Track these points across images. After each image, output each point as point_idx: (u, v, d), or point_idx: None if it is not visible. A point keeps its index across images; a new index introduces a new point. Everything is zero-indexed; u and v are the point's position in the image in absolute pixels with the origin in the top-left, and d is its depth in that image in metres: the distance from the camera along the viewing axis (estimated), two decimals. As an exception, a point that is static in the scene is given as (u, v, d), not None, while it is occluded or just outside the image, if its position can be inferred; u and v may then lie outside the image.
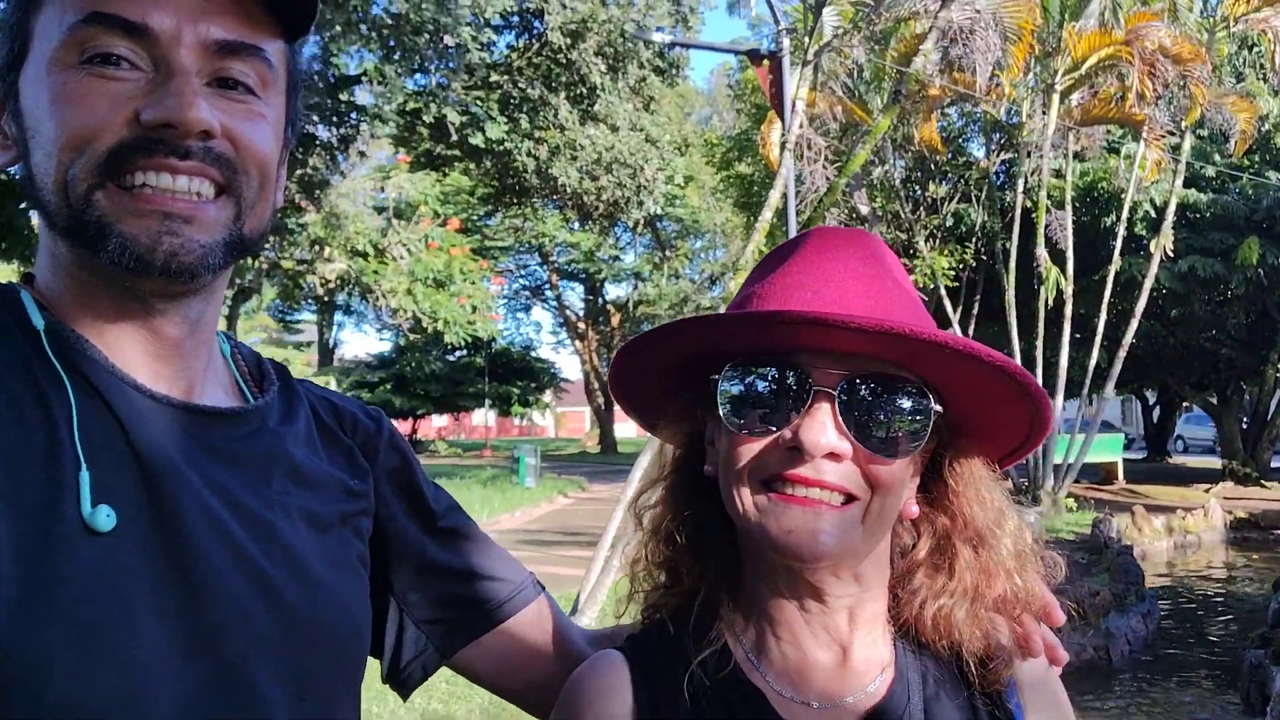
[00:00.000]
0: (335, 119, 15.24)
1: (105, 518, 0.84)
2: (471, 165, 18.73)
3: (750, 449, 1.00)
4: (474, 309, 23.80)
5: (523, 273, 46.70)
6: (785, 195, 10.64)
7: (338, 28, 11.30)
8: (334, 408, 1.19)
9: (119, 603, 0.84)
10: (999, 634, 1.05)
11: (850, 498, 0.98)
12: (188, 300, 0.98)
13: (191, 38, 0.92)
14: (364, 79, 13.56)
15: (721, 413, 1.02)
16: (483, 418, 53.51)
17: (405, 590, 1.19)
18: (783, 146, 9.76)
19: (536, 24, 16.13)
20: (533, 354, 45.53)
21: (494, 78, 16.37)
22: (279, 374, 1.16)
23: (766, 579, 1.06)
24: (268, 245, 18.88)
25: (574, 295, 47.34)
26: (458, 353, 41.32)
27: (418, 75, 13.85)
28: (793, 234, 9.44)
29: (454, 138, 15.83)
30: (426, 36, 11.82)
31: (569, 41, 15.48)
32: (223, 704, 0.88)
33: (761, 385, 1.01)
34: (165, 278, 0.92)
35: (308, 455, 1.08)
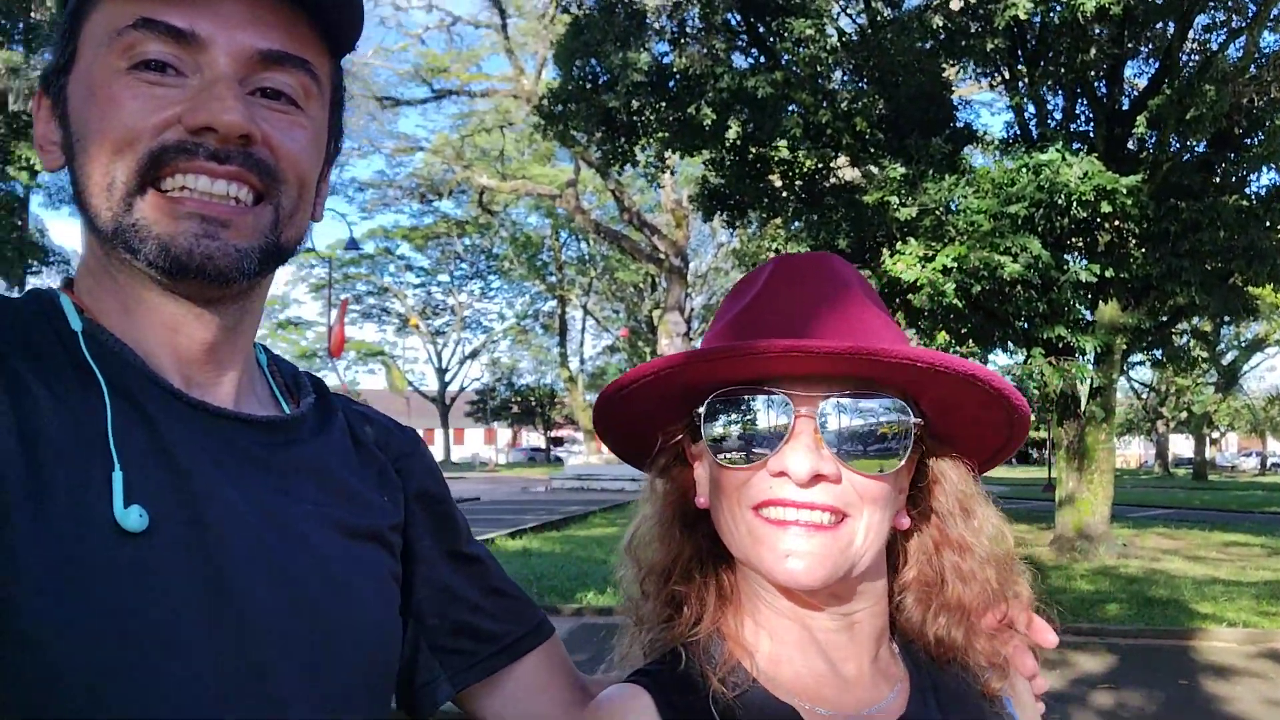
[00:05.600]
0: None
1: (137, 518, 0.83)
2: None
3: (739, 478, 1.02)
4: None
5: None
6: None
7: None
8: (369, 423, 1.18)
9: (149, 603, 0.83)
10: (997, 649, 1.11)
11: (842, 516, 1.00)
12: (225, 306, 0.99)
13: (236, 46, 0.93)
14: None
15: (709, 445, 1.05)
16: None
17: (425, 613, 1.15)
18: None
19: None
20: None
21: None
22: (316, 387, 1.16)
23: (770, 601, 1.08)
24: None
25: None
26: None
27: None
28: None
29: None
30: None
31: None
32: (252, 712, 0.87)
33: (744, 415, 1.02)
34: (201, 280, 0.93)
35: (342, 468, 1.07)
